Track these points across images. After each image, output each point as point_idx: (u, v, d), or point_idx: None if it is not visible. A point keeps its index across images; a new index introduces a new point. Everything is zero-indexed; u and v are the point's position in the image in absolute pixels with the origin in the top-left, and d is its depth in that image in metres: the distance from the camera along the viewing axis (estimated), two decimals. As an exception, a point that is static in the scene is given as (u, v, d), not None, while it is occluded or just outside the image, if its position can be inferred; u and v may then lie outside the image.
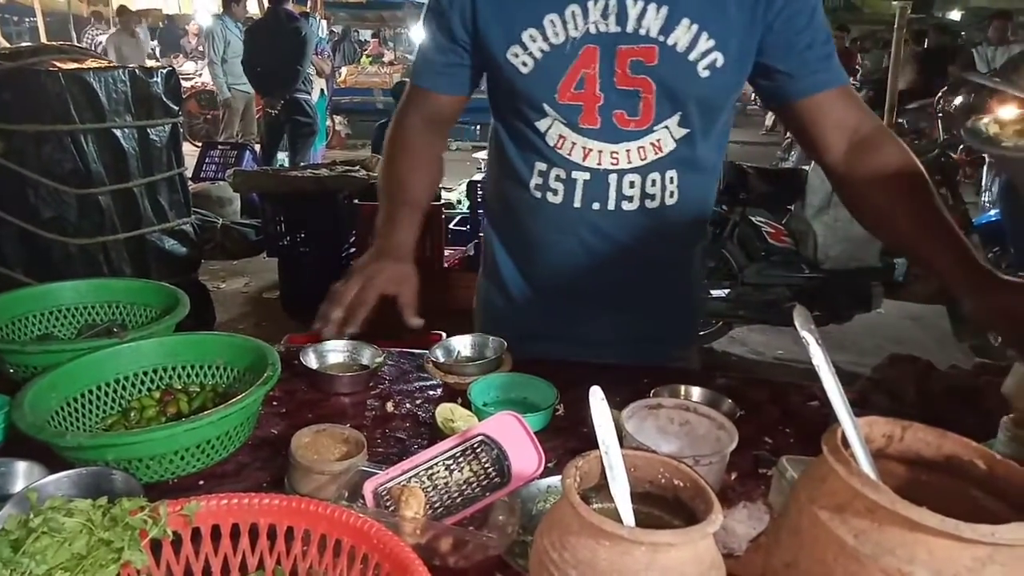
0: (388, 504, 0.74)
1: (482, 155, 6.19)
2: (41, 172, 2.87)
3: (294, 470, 0.81)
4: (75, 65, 2.99)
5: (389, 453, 0.93)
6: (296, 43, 5.82)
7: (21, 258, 2.95)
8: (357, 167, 4.29)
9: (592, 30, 1.05)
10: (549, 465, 0.84)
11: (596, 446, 0.61)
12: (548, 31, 1.07)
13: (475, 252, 3.81)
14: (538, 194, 1.18)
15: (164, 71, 3.28)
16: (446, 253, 3.80)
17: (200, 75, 10.10)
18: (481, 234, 1.41)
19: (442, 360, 1.13)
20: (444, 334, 2.98)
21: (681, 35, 1.05)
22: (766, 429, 1.00)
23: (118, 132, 3.03)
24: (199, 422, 0.81)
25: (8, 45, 7.90)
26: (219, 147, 6.28)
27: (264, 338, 1.05)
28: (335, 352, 1.18)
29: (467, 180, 5.01)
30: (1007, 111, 0.68)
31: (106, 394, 0.98)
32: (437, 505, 0.76)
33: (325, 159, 6.86)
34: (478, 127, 9.90)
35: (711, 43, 1.05)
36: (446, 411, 0.97)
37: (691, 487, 0.59)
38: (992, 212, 4.01)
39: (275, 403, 1.04)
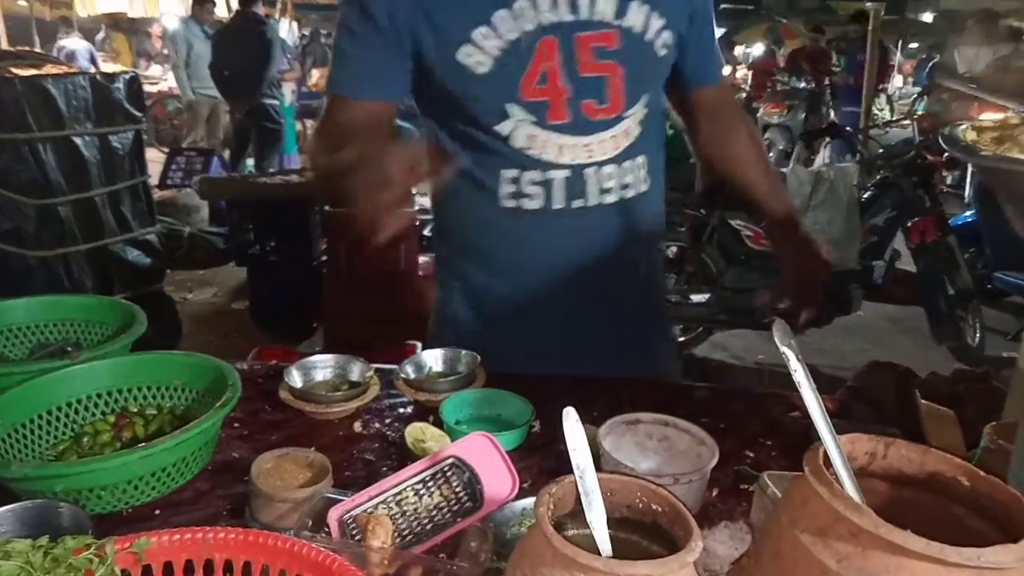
0: (354, 533, 0.71)
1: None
2: (-4, 182, 2.78)
3: (255, 498, 0.77)
4: (33, 71, 2.91)
5: (356, 476, 0.89)
6: (260, 47, 5.74)
7: (-24, 272, 2.86)
8: (328, 174, 4.23)
9: (544, 21, 1.02)
10: (524, 486, 0.81)
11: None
12: (500, 28, 1.02)
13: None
14: (511, 203, 1.11)
15: (126, 76, 3.21)
16: (421, 261, 3.75)
17: (166, 79, 9.92)
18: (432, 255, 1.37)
19: (413, 376, 1.09)
20: (419, 344, 2.93)
21: (634, 17, 1.05)
22: (747, 442, 0.98)
23: (78, 140, 2.95)
24: (153, 449, 0.77)
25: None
26: (185, 153, 6.15)
27: (233, 351, 1.01)
28: (321, 368, 1.10)
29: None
30: (985, 117, 0.68)
31: (57, 419, 0.93)
32: (406, 532, 0.73)
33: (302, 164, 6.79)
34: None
35: (662, 21, 1.07)
36: (416, 431, 0.94)
37: (670, 512, 0.57)
38: (968, 213, 4.08)
39: (236, 424, 1.00)
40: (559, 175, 1.09)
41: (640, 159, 1.14)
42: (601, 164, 1.10)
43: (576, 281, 1.16)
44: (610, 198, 1.12)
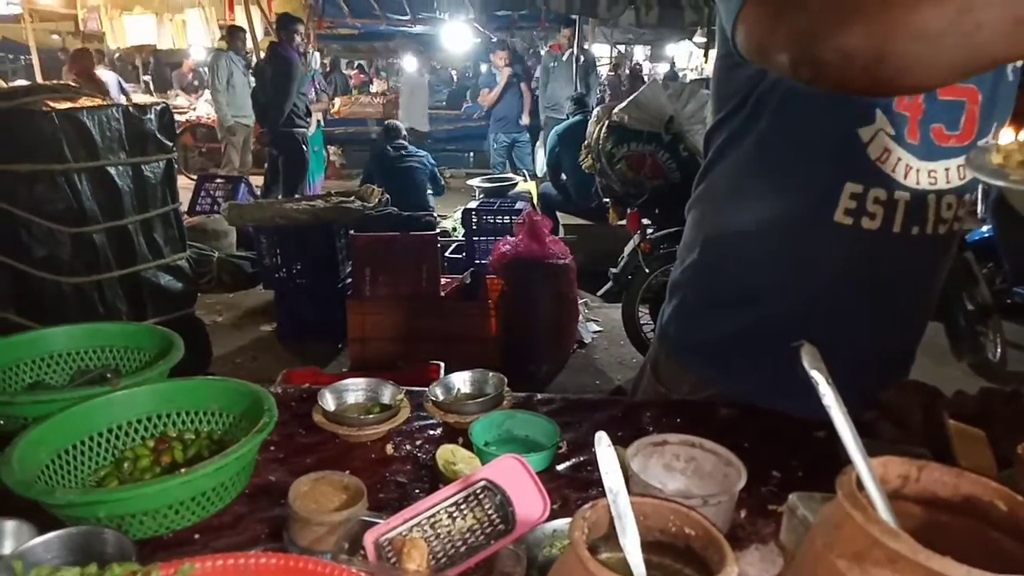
0: (390, 555, 0.72)
1: (476, 182, 6.20)
2: (34, 211, 2.85)
3: (293, 521, 0.79)
4: (69, 104, 3.00)
5: (389, 498, 0.90)
6: (282, 79, 5.93)
7: (14, 298, 2.93)
8: (352, 198, 4.30)
9: None
10: (554, 507, 0.82)
11: (601, 483, 0.59)
12: None
13: (471, 280, 3.79)
14: (848, 220, 1.01)
15: (158, 107, 3.29)
16: (442, 281, 3.78)
17: (194, 108, 10.16)
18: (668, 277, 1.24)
19: (441, 398, 1.10)
20: (442, 364, 2.94)
21: None
22: (773, 462, 0.97)
23: (112, 170, 3.03)
24: (193, 475, 0.79)
25: (4, 84, 7.93)
26: (215, 180, 6.31)
27: (262, 372, 1.04)
28: (353, 391, 1.12)
29: (462, 208, 5.01)
30: (1008, 138, 0.68)
31: (99, 444, 0.96)
32: (440, 555, 0.74)
33: (324, 190, 6.93)
34: (471, 154, 9.97)
35: None
36: (447, 453, 0.95)
37: (703, 536, 0.57)
38: (985, 228, 4.02)
39: (272, 448, 1.02)
40: (903, 196, 1.00)
41: (975, 194, 1.07)
42: (943, 193, 1.01)
43: (858, 312, 1.08)
44: (943, 228, 1.04)
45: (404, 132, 5.67)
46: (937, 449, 0.90)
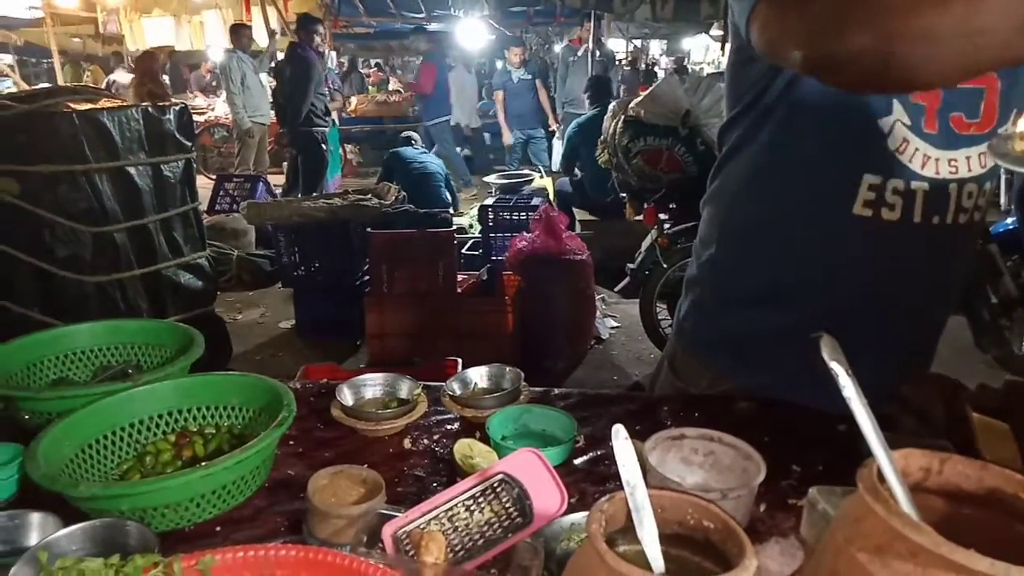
0: (408, 549, 0.72)
1: (492, 178, 6.20)
2: (56, 211, 2.90)
3: (312, 515, 0.79)
4: (89, 105, 3.03)
5: (407, 492, 0.91)
6: (300, 79, 5.97)
7: (37, 297, 2.98)
8: (369, 195, 4.32)
9: None
10: (571, 500, 0.82)
11: (618, 477, 0.59)
12: None
13: (488, 277, 3.79)
14: (867, 211, 1.01)
15: (176, 108, 3.32)
16: (459, 278, 3.79)
17: (212, 109, 10.26)
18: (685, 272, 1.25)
19: (459, 393, 1.11)
20: (460, 360, 2.94)
21: None
22: (793, 456, 0.97)
23: (132, 170, 3.06)
24: (214, 468, 0.80)
25: (27, 87, 8.03)
26: (233, 180, 6.36)
27: (281, 369, 1.04)
28: (371, 386, 1.13)
29: (479, 204, 5.02)
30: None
31: (121, 439, 0.97)
32: (458, 548, 0.74)
33: (341, 188, 6.97)
34: (490, 154, 9.96)
35: None
36: (464, 447, 0.95)
37: (721, 529, 0.57)
38: (1009, 220, 3.95)
39: (291, 442, 1.03)
40: (921, 187, 1.00)
41: (995, 183, 1.06)
42: (965, 181, 1.01)
43: (879, 304, 1.07)
44: (964, 218, 1.03)
45: (418, 138, 5.85)
46: (959, 442, 0.89)
